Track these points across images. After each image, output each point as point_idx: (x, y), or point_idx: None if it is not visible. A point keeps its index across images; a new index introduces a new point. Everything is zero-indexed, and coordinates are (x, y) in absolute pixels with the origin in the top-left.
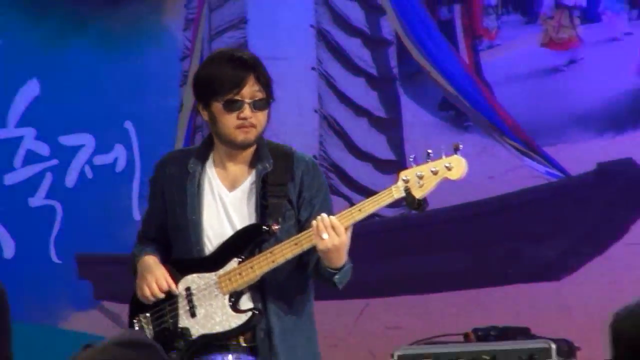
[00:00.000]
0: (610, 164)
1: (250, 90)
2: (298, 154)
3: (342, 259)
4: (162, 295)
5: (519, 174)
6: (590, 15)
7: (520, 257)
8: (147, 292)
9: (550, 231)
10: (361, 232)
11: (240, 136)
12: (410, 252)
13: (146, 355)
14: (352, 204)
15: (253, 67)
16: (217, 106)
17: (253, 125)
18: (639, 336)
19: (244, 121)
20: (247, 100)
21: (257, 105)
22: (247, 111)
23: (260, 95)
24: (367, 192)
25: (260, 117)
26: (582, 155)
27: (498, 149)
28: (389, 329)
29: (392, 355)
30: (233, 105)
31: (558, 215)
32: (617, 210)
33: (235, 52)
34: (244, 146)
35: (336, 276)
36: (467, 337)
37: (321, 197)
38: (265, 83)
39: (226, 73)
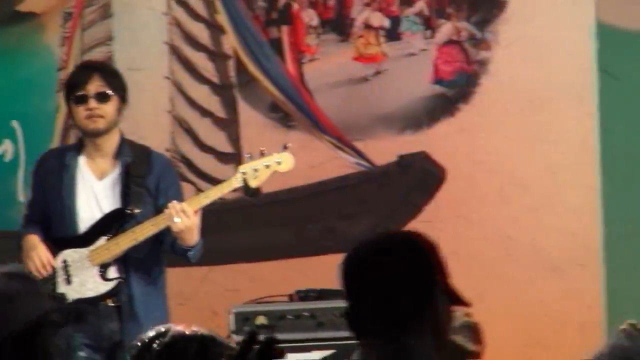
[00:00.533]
0: (408, 156)
1: (95, 86)
2: (155, 152)
3: (194, 238)
4: (45, 270)
5: (334, 164)
6: (392, 35)
7: (335, 232)
8: (33, 268)
9: (359, 211)
10: (206, 210)
11: (90, 125)
12: (246, 227)
13: (28, 287)
14: (198, 189)
15: (97, 68)
16: (71, 102)
17: (100, 116)
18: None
19: (90, 112)
20: (92, 94)
21: (100, 98)
22: (92, 103)
23: (104, 90)
24: (210, 180)
25: (106, 109)
26: (385, 149)
27: (317, 144)
28: (228, 291)
29: (230, 312)
30: (80, 99)
31: (366, 197)
32: (413, 194)
33: (87, 60)
34: (94, 134)
35: (190, 252)
36: (291, 298)
37: (174, 188)
38: (111, 81)
39: (75, 75)
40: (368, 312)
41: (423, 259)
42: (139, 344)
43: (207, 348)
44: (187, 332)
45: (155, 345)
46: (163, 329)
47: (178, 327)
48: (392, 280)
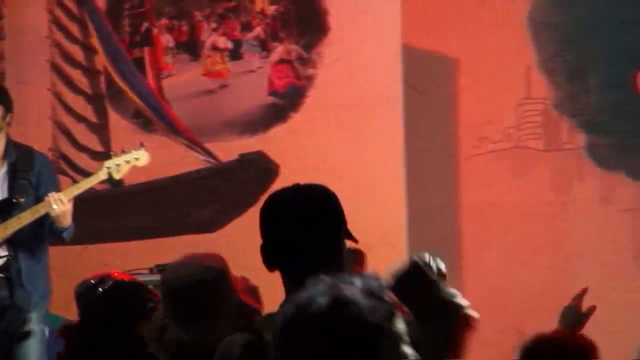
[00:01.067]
0: (248, 154)
1: None
2: (37, 151)
3: (67, 221)
4: None
5: (188, 161)
6: (235, 55)
7: (189, 216)
8: None
9: (209, 199)
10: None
11: None
12: (114, 212)
13: None
14: (75, 182)
15: None
16: None
17: None
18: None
19: None
20: None
21: None
22: None
23: None
24: (85, 174)
25: None
26: (229, 149)
27: (174, 145)
28: (100, 265)
29: None
30: None
31: (214, 188)
32: (252, 186)
33: None
34: None
35: (64, 233)
36: (151, 271)
37: (52, 180)
38: None
39: None
40: (287, 251)
41: (336, 207)
42: (85, 286)
43: (141, 292)
44: (125, 280)
45: (99, 288)
46: (104, 276)
47: (116, 275)
48: (312, 223)
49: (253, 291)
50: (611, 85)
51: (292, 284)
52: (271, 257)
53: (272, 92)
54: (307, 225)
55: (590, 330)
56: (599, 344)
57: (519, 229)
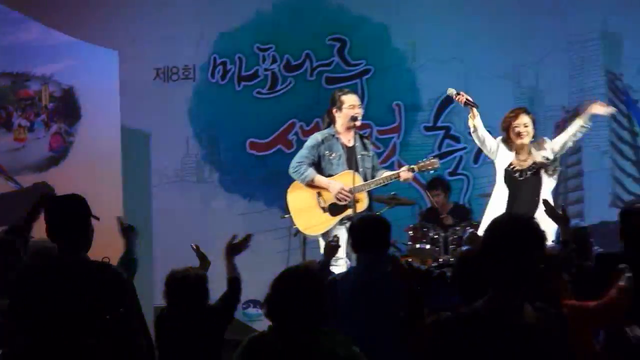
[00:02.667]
0: (37, 183)
1: None
2: None
3: None
4: None
5: (4, 187)
6: (31, 128)
7: None
8: None
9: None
10: None
11: None
12: None
13: None
14: None
15: None
16: None
17: None
18: None
19: None
20: None
21: None
22: None
23: None
24: None
25: None
26: (29, 181)
27: None
28: None
29: None
30: None
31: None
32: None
33: None
34: None
35: None
36: None
37: None
38: None
39: None
40: None
41: None
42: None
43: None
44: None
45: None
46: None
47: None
48: None
49: None
50: (232, 147)
51: None
52: None
53: (51, 150)
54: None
55: None
56: None
57: None
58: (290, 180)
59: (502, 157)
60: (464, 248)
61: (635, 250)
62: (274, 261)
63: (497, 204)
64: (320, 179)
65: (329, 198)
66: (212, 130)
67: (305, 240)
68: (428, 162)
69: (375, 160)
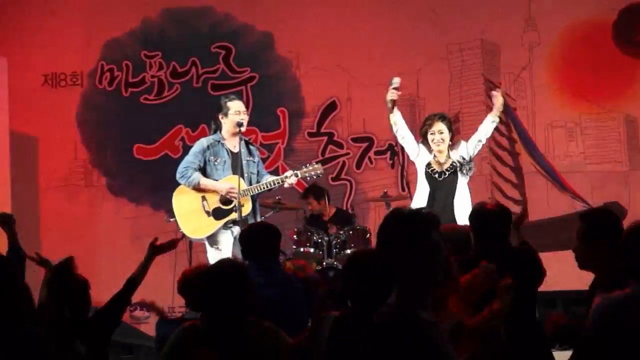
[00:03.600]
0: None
1: None
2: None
3: None
4: None
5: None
6: None
7: None
8: None
9: None
10: None
11: None
12: None
13: None
14: None
15: None
16: None
17: None
18: None
19: None
20: None
21: None
22: None
23: None
24: None
25: None
26: None
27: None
28: None
29: None
30: None
31: None
32: None
33: None
34: None
35: None
36: None
37: None
38: None
39: None
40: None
41: None
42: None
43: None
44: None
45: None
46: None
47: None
48: None
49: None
50: (120, 152)
51: None
52: None
53: None
54: None
55: None
56: None
57: None
58: (176, 185)
59: (423, 158)
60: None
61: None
62: (160, 264)
63: (418, 203)
64: (206, 182)
65: (214, 202)
66: (100, 136)
67: (191, 244)
68: (311, 167)
69: (261, 165)
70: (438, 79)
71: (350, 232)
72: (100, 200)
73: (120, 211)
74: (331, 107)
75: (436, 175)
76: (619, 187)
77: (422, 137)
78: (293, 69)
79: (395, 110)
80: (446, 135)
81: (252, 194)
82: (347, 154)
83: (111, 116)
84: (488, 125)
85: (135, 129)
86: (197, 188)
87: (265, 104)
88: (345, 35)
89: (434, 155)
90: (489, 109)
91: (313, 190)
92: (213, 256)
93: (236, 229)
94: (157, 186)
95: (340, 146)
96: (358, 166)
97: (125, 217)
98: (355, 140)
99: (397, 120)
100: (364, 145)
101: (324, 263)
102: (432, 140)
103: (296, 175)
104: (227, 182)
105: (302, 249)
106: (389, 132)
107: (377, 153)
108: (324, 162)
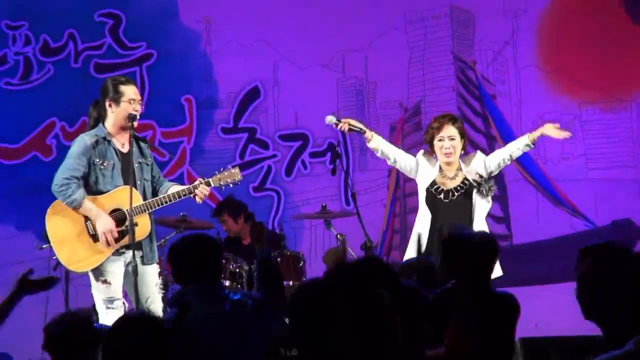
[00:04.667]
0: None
1: None
2: None
3: None
4: None
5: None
6: None
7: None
8: None
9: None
10: None
11: None
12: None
13: None
14: None
15: None
16: None
17: None
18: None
19: None
20: None
21: None
22: None
23: None
24: None
25: None
26: None
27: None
28: None
29: None
30: None
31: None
32: None
33: None
34: None
35: None
36: None
37: None
38: None
39: None
40: None
41: None
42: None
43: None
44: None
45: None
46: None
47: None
48: None
49: None
50: None
51: None
52: None
53: None
54: None
55: None
56: None
57: None
58: (51, 197)
59: (424, 174)
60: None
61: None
62: (27, 303)
63: (420, 231)
64: (88, 208)
65: None
66: None
67: (67, 275)
68: (227, 173)
69: (156, 169)
70: (394, 56)
71: (279, 259)
72: None
73: None
74: (252, 94)
75: (441, 196)
76: (630, 199)
77: (427, 143)
78: (202, 44)
79: (371, 135)
80: (458, 142)
81: (149, 210)
82: (274, 156)
83: None
84: (521, 146)
85: None
86: (78, 210)
87: (165, 90)
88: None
89: (440, 169)
90: (460, 96)
91: (228, 204)
92: (100, 292)
93: (129, 256)
94: (24, 198)
95: (265, 146)
96: (288, 172)
97: None
98: (284, 138)
99: (376, 145)
100: (296, 144)
101: None
102: (441, 147)
103: (208, 184)
104: (115, 200)
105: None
106: (327, 127)
107: (313, 155)
108: (243, 166)
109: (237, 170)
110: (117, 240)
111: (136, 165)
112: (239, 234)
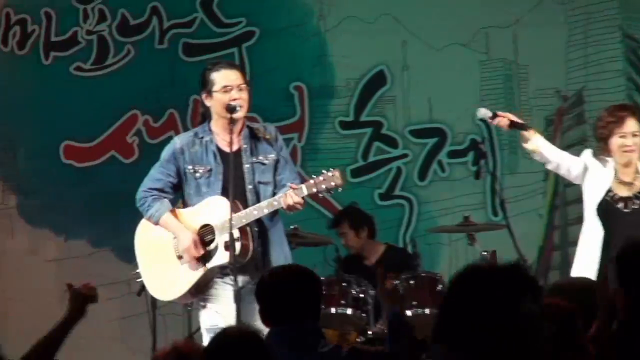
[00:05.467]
0: None
1: None
2: None
3: None
4: None
5: None
6: None
7: None
8: None
9: None
10: None
11: None
12: None
13: None
14: None
15: None
16: None
17: None
18: None
19: None
20: None
21: None
22: None
23: None
24: None
25: None
26: None
27: None
28: None
29: None
30: None
31: None
32: None
33: None
34: None
35: None
36: None
37: None
38: None
39: None
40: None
41: None
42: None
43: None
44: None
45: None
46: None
47: None
48: None
49: None
50: (38, 154)
51: None
52: None
53: None
54: None
55: None
56: None
57: None
58: (132, 207)
59: (595, 181)
60: None
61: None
62: (104, 333)
63: (587, 250)
64: (169, 223)
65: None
66: (6, 128)
67: (156, 303)
68: (325, 177)
69: (285, 169)
70: (548, 34)
71: (411, 282)
72: (6, 230)
73: (40, 249)
74: (377, 80)
75: (620, 205)
76: None
77: (600, 141)
78: (316, 20)
79: (532, 134)
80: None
81: (247, 221)
82: (404, 155)
83: (23, 96)
84: None
85: (63, 116)
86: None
87: (270, 77)
88: None
89: (615, 172)
90: (632, 82)
91: (350, 214)
92: (202, 319)
93: (240, 279)
94: (99, 208)
95: (393, 144)
96: (422, 176)
97: (47, 260)
98: (416, 133)
99: (536, 146)
100: (431, 141)
101: (370, 332)
102: (621, 145)
103: (299, 193)
104: (208, 214)
105: (333, 310)
106: (469, 120)
107: (451, 154)
108: (366, 169)
109: (338, 173)
110: (204, 260)
111: (247, 166)
112: (361, 250)
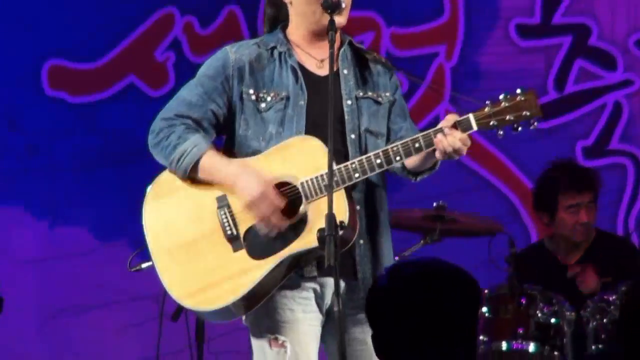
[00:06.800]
0: None
1: None
2: None
3: None
4: None
5: None
6: None
7: None
8: None
9: None
10: None
11: None
12: None
13: None
14: None
15: None
16: None
17: None
18: None
19: None
20: None
21: None
22: None
23: None
24: None
25: None
26: None
27: None
28: None
29: None
30: None
31: None
32: None
33: None
34: None
35: None
36: None
37: None
38: None
39: None
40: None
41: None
42: None
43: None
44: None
45: None
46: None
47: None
48: None
49: None
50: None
51: None
52: None
53: None
54: None
55: None
56: None
57: None
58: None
59: None
60: None
61: None
62: None
63: None
64: (217, 163)
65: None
66: None
67: (203, 334)
68: (509, 103)
69: (401, 112)
70: None
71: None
72: None
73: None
74: None
75: None
76: None
77: None
78: None
79: None
80: None
81: (350, 183)
82: (628, 83)
83: None
84: None
85: (49, 21)
86: (195, 175)
87: None
88: None
89: None
90: None
91: (592, 178)
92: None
93: (329, 291)
94: (108, 171)
95: (608, 63)
96: None
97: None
98: None
99: None
100: None
101: None
102: None
103: (465, 128)
104: (281, 164)
105: (504, 345)
106: None
107: None
108: (564, 105)
109: (532, 96)
110: (283, 240)
111: (348, 102)
112: (561, 240)
